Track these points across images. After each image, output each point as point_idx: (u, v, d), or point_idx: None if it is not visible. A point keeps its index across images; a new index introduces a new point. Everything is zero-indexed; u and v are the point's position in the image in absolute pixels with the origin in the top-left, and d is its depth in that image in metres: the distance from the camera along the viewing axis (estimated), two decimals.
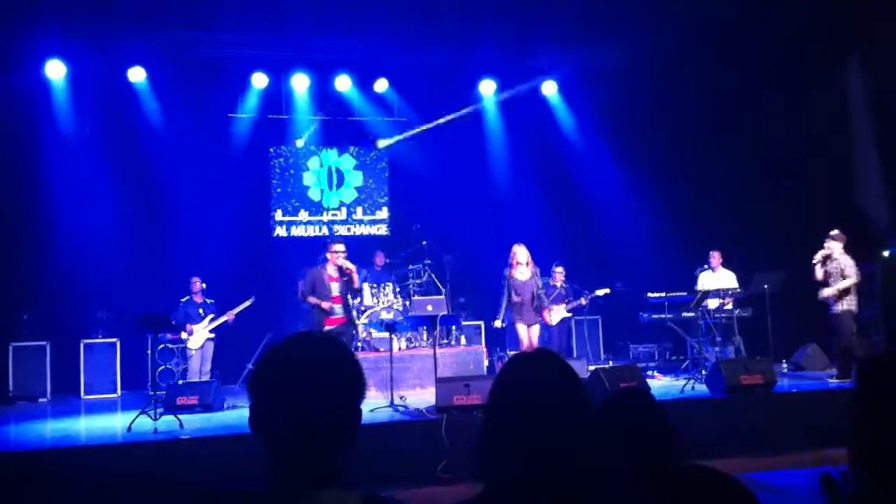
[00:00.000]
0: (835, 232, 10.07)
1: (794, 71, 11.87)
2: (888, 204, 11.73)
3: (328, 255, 9.52)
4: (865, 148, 11.97)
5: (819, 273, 10.05)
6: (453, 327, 11.84)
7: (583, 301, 11.76)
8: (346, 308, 9.56)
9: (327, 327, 9.18)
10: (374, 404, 8.89)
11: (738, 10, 11.37)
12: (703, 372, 9.72)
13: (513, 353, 10.59)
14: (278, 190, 14.22)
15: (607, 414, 2.48)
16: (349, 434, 1.73)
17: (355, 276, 9.50)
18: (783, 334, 10.87)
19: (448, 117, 13.97)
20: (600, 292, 11.92)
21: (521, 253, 10.34)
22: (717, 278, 11.69)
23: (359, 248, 13.22)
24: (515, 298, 10.28)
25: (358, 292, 10.08)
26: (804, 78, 11.80)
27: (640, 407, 2.53)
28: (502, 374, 1.96)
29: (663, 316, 11.67)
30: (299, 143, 14.14)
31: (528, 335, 10.29)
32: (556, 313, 11.53)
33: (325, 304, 9.29)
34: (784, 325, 10.86)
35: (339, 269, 9.43)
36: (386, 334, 10.23)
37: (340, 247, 9.52)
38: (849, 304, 9.92)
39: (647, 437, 2.43)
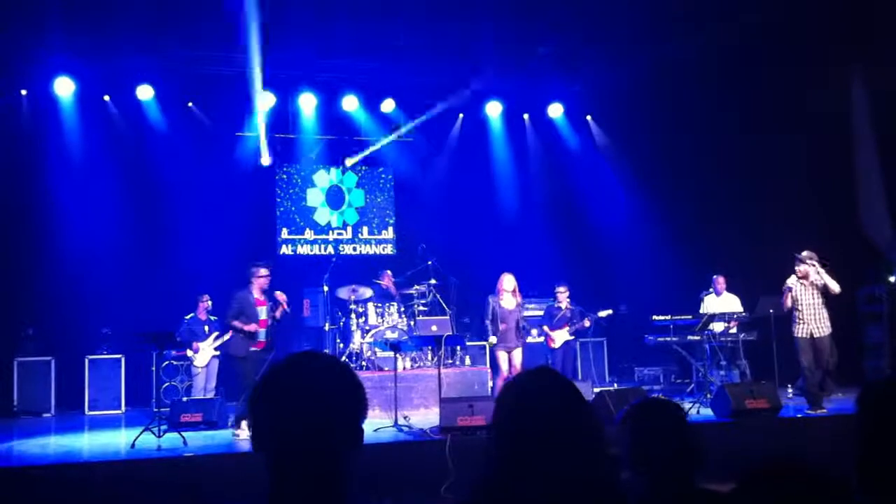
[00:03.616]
0: (812, 254, 9.56)
1: (797, 91, 11.87)
2: (892, 226, 11.69)
3: (254, 280, 9.27)
4: (869, 169, 11.96)
5: (788, 301, 9.54)
6: (458, 347, 11.83)
7: (586, 323, 11.64)
8: (269, 334, 9.33)
9: (254, 349, 9.10)
10: (378, 424, 8.88)
11: (742, 30, 11.42)
12: (709, 395, 9.66)
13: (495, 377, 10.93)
14: (283, 209, 14.27)
15: (632, 423, 2.46)
16: (351, 453, 1.73)
17: (282, 309, 9.34)
18: (788, 358, 10.80)
19: (417, 120, 13.91)
20: (603, 314, 11.82)
21: (507, 281, 10.56)
22: (721, 302, 11.65)
23: (364, 268, 13.26)
24: (500, 326, 10.47)
25: (278, 322, 9.67)
26: (808, 98, 11.80)
27: (671, 421, 2.50)
28: (503, 395, 1.95)
29: (668, 339, 11.63)
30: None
31: (509, 360, 10.48)
32: (560, 336, 11.46)
33: (250, 327, 9.10)
34: (789, 350, 10.79)
35: (265, 293, 9.28)
36: (390, 354, 10.22)
37: (266, 271, 9.33)
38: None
39: (672, 452, 2.40)
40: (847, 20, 10.80)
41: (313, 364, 1.78)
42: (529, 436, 1.81)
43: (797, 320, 9.51)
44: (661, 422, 2.47)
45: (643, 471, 2.36)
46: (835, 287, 9.39)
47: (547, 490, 1.76)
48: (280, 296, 9.30)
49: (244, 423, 8.62)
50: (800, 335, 9.49)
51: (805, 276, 9.49)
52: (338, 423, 1.71)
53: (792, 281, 9.59)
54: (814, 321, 9.42)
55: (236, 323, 9.14)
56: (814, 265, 9.47)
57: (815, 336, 9.42)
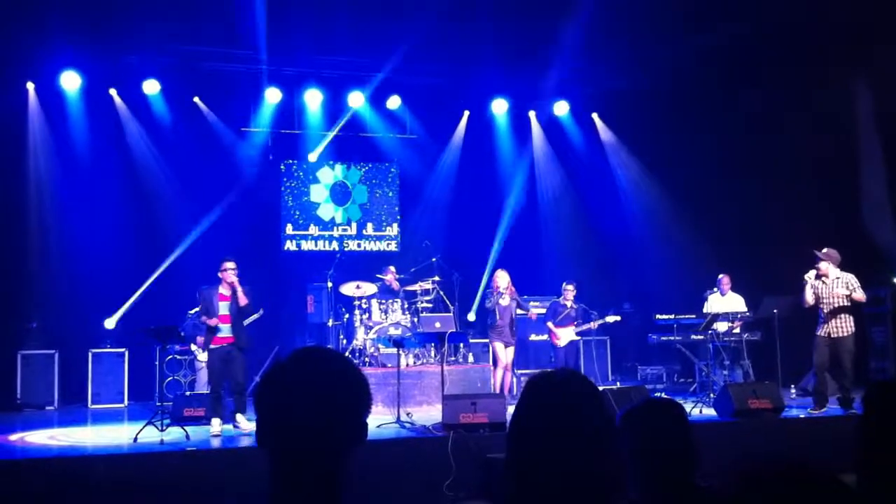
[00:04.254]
0: (833, 251, 9.43)
1: (802, 93, 11.86)
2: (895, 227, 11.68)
3: (220, 274, 9.23)
4: (873, 170, 11.94)
5: (809, 297, 9.34)
6: (461, 345, 11.83)
7: (592, 325, 11.60)
8: (235, 328, 9.19)
9: (212, 346, 9.10)
10: (381, 420, 8.89)
11: (746, 30, 11.41)
12: (712, 395, 9.66)
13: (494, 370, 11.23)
14: (288, 204, 14.26)
15: (634, 421, 2.46)
16: (354, 449, 1.73)
17: (240, 294, 9.17)
18: (792, 359, 10.79)
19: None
20: (611, 319, 11.75)
21: (500, 277, 11.07)
22: (725, 302, 11.62)
23: (368, 264, 13.25)
24: (497, 321, 11.01)
25: (246, 309, 9.46)
26: (813, 100, 11.78)
27: (671, 420, 2.50)
28: (527, 392, 1.94)
29: (672, 338, 11.61)
30: (312, 157, 14.14)
31: (506, 354, 11.08)
32: (566, 335, 11.45)
33: (211, 321, 9.08)
34: (793, 350, 10.78)
35: (231, 287, 9.21)
36: (394, 350, 10.23)
37: (230, 264, 9.22)
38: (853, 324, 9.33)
39: (672, 451, 2.40)
40: (851, 21, 10.79)
41: (317, 359, 1.78)
42: (547, 433, 1.80)
43: (820, 319, 9.38)
44: (661, 422, 2.47)
45: (643, 470, 2.35)
46: (860, 296, 9.29)
47: (555, 484, 1.77)
48: (228, 277, 9.25)
49: (240, 416, 8.75)
50: (818, 334, 9.37)
51: (825, 275, 9.35)
52: (341, 418, 1.71)
53: (809, 276, 9.44)
54: (833, 321, 9.27)
55: (203, 318, 9.27)
56: (824, 269, 9.30)
57: (832, 336, 9.28)
